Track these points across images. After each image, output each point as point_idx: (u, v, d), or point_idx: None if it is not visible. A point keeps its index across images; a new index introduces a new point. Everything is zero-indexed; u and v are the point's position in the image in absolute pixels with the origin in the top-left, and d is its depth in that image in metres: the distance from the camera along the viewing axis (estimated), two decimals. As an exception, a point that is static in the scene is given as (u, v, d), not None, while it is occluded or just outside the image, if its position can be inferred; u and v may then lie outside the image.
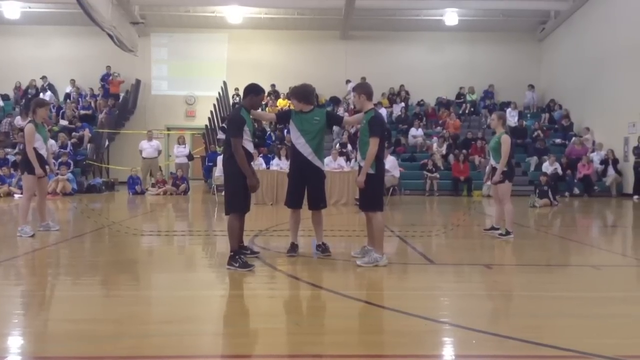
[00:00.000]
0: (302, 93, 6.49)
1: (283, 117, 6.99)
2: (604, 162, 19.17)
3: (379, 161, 6.03)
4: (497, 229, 8.54)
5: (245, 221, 6.23)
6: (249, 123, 5.96)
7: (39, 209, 8.67)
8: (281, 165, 15.27)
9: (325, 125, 6.54)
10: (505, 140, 8.16)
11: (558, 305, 4.69)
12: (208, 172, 18.43)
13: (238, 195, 5.90)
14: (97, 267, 6.32)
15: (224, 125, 18.93)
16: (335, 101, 23.94)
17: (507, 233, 8.22)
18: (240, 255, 5.86)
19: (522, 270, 6.55)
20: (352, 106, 20.53)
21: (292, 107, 6.83)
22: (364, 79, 17.76)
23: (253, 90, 6.11)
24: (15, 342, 3.73)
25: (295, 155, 6.56)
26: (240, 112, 5.99)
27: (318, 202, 6.54)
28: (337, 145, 18.72)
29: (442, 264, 6.60)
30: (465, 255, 7.30)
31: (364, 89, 6.25)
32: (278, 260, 6.44)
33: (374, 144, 5.91)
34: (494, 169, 8.40)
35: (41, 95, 23.21)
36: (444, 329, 4.03)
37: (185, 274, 6.11)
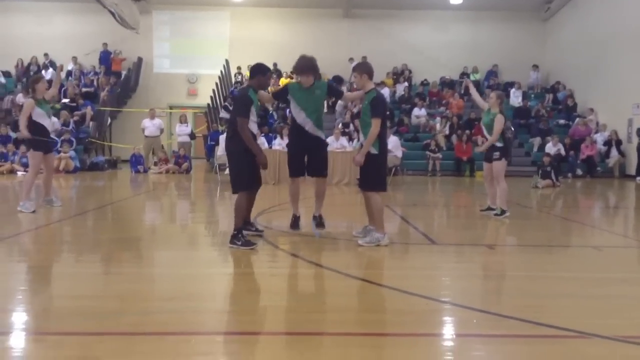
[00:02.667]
0: (301, 67, 6.37)
1: (280, 95, 6.90)
2: (608, 143, 19.11)
3: (381, 141, 5.99)
4: (493, 209, 8.48)
5: (255, 198, 6.23)
6: (255, 104, 5.93)
7: (44, 184, 8.69)
8: (283, 144, 15.21)
9: (325, 95, 6.60)
10: (499, 120, 8.06)
11: (558, 286, 4.71)
12: (210, 151, 18.40)
13: (243, 173, 5.88)
14: (100, 244, 6.36)
15: (226, 103, 18.85)
16: (338, 80, 23.76)
17: (502, 212, 8.17)
18: (242, 234, 5.87)
19: (523, 250, 6.55)
20: (354, 86, 20.41)
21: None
22: (364, 58, 17.56)
23: (260, 71, 6.11)
24: (19, 318, 3.77)
25: (295, 128, 6.54)
26: (248, 93, 5.96)
27: (321, 170, 6.51)
28: (340, 125, 18.65)
29: (443, 244, 6.61)
30: (466, 236, 7.32)
31: (365, 68, 6.19)
32: (280, 238, 6.46)
33: (375, 125, 5.87)
34: (491, 146, 8.30)
35: (43, 72, 23.10)
36: (445, 309, 4.06)
37: (187, 252, 6.14)
